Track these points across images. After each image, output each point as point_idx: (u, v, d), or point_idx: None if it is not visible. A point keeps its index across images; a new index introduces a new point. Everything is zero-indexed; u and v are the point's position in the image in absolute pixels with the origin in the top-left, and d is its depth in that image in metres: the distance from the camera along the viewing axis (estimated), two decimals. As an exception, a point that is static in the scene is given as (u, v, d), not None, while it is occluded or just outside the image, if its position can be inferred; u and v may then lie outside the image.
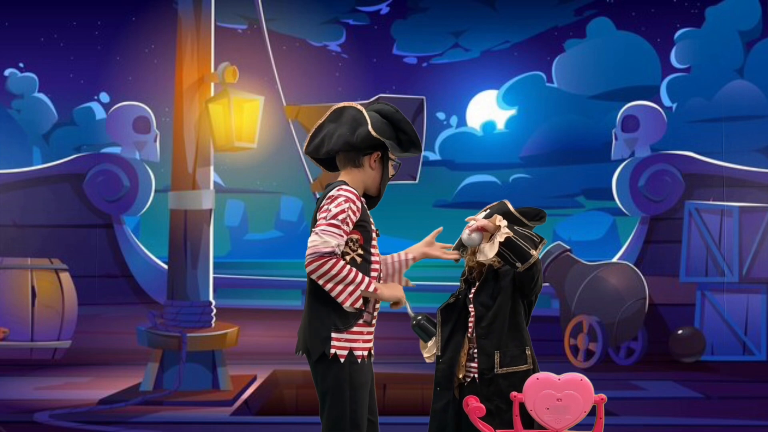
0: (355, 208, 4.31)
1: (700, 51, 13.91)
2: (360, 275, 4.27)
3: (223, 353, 9.95)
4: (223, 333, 9.97)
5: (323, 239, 4.20)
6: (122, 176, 13.49)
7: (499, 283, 4.58)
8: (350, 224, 4.28)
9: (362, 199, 4.41)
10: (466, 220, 4.59)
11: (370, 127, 4.37)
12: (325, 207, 4.29)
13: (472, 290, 4.66)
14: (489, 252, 4.47)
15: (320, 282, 4.23)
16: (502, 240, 4.43)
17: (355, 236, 4.34)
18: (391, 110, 4.48)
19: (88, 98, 14.10)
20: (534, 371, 4.55)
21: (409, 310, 4.62)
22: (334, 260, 4.21)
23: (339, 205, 4.27)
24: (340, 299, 4.25)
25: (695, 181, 13.28)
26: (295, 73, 13.22)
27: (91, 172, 13.48)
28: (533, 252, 4.43)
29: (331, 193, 4.32)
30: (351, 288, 4.25)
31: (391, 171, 4.48)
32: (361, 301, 4.28)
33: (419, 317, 4.71)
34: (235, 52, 11.78)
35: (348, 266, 4.24)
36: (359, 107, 4.49)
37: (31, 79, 13.99)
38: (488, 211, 4.71)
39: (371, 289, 4.29)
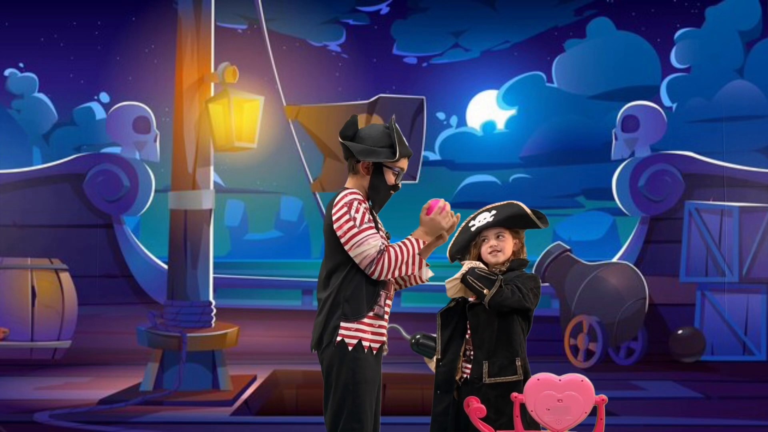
0: (367, 206, 4.49)
1: (700, 51, 13.92)
2: (407, 244, 4.47)
3: (223, 353, 9.95)
4: (223, 333, 9.96)
5: (369, 245, 4.38)
6: (122, 176, 13.48)
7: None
8: (372, 221, 4.45)
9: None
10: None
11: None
12: (347, 216, 4.41)
13: (470, 299, 4.66)
14: (449, 291, 4.59)
15: (389, 276, 4.43)
16: (457, 280, 4.55)
17: None
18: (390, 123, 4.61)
19: (88, 98, 14.10)
20: (524, 383, 4.55)
21: (403, 333, 4.65)
22: (386, 255, 4.39)
23: (358, 210, 4.43)
24: (409, 273, 4.50)
25: (695, 181, 13.28)
26: (295, 73, 13.22)
27: (91, 172, 13.48)
28: (485, 291, 4.48)
29: (344, 201, 4.44)
30: (410, 260, 4.46)
31: (391, 178, 4.54)
32: (423, 260, 4.53)
33: (417, 336, 4.73)
34: (235, 52, 11.78)
35: (396, 248, 4.44)
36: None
37: (31, 79, 13.99)
38: (494, 211, 4.69)
39: (420, 245, 4.50)
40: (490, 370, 4.54)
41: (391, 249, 4.41)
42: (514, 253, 4.68)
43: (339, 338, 4.39)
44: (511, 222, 4.66)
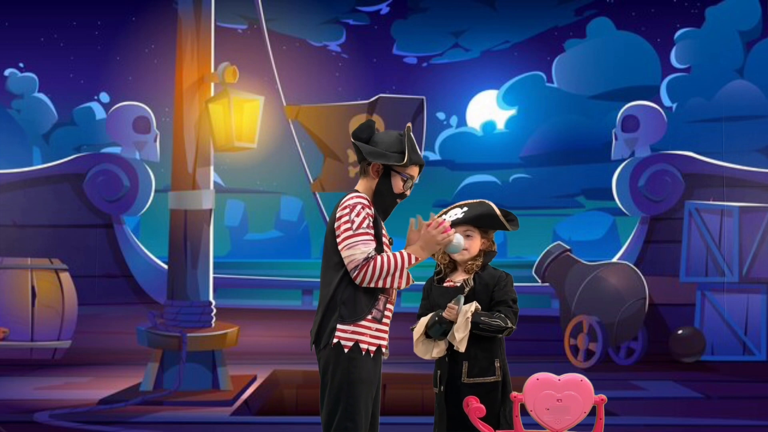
0: (371, 212, 4.46)
1: (700, 51, 13.92)
2: (397, 257, 4.42)
3: (223, 353, 9.95)
4: (223, 333, 9.96)
5: (359, 250, 4.36)
6: (122, 176, 13.48)
7: (474, 298, 4.59)
8: (372, 228, 4.43)
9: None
10: (437, 219, 4.56)
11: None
12: (347, 218, 4.42)
13: (446, 283, 4.70)
14: (460, 345, 4.53)
15: (372, 285, 4.38)
16: (466, 335, 4.53)
17: None
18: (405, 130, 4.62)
19: (88, 98, 14.10)
20: (504, 384, 4.58)
21: (460, 304, 4.56)
22: (371, 263, 4.36)
23: (359, 213, 4.41)
24: (395, 287, 4.43)
25: (695, 181, 13.28)
26: (295, 73, 13.22)
27: (91, 172, 13.48)
28: (499, 336, 4.58)
29: (348, 203, 4.45)
30: (397, 273, 4.40)
31: (399, 185, 4.53)
32: (410, 277, 4.46)
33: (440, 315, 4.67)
34: (235, 52, 11.78)
35: (384, 258, 4.39)
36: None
37: (31, 79, 13.99)
38: (466, 208, 4.72)
39: (412, 261, 4.44)
40: (470, 370, 4.55)
41: (378, 258, 4.38)
42: (481, 251, 4.69)
43: (335, 340, 4.39)
44: (480, 221, 4.68)
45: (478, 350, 4.55)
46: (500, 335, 4.56)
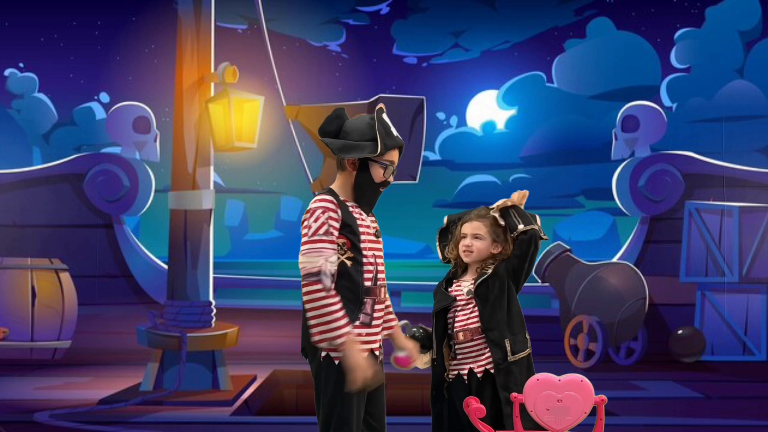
0: (335, 216, 4.25)
1: (700, 51, 13.93)
2: (341, 321, 4.15)
3: (223, 353, 9.94)
4: (223, 333, 9.96)
5: (309, 260, 4.17)
6: (122, 176, 13.49)
7: (494, 274, 4.58)
8: (334, 233, 4.22)
9: (347, 203, 4.32)
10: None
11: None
12: (306, 223, 4.24)
13: (454, 284, 4.69)
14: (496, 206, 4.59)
15: (306, 304, 4.17)
16: (508, 204, 4.60)
17: (341, 240, 4.26)
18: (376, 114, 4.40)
19: (88, 98, 14.11)
20: (530, 355, 4.63)
21: (408, 331, 4.64)
22: (320, 286, 4.14)
23: (318, 218, 4.22)
24: (311, 330, 4.17)
25: (695, 181, 13.29)
26: (295, 73, 13.22)
27: (91, 172, 13.48)
28: (533, 225, 4.54)
29: (311, 207, 4.27)
30: (323, 328, 4.15)
31: (379, 173, 4.33)
32: (325, 344, 4.17)
33: (415, 330, 4.73)
34: (235, 52, 11.78)
35: (334, 305, 4.15)
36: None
37: (31, 79, 14.00)
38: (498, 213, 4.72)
39: (339, 341, 4.15)
40: (513, 348, 4.55)
41: (331, 295, 4.14)
42: (492, 254, 4.66)
43: (324, 353, 4.24)
44: (521, 233, 4.61)
45: (513, 325, 4.56)
46: (526, 234, 4.52)
